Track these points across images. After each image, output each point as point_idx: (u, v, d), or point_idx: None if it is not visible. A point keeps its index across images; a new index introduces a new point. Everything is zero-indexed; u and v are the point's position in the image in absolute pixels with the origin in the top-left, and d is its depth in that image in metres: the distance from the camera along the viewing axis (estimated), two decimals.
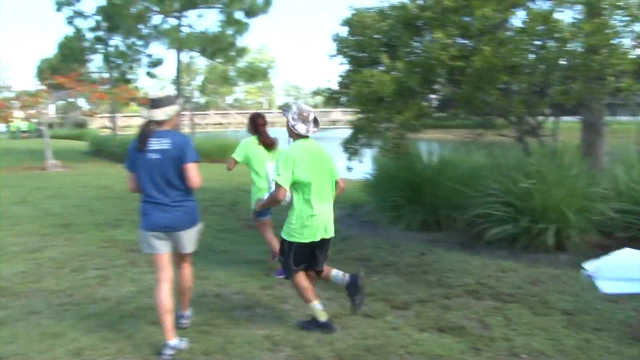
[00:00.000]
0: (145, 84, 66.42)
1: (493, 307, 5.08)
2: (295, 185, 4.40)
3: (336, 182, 4.69)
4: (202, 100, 70.11)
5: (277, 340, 4.41)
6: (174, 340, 4.15)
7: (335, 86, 7.95)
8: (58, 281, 6.11)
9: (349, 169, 7.65)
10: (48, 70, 29.53)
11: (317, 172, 4.44)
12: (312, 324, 4.61)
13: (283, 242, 4.58)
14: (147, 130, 4.10)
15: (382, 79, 6.18)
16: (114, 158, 23.91)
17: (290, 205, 4.49)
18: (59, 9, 26.59)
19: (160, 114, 4.11)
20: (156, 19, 25.29)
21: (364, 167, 9.37)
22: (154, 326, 4.61)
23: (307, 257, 4.54)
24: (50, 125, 23.16)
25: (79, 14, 26.84)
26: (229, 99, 77.16)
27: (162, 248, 4.22)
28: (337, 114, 60.10)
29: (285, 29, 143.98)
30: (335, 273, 4.74)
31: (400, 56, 6.48)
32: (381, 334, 4.52)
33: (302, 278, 4.58)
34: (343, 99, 7.71)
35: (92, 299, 5.49)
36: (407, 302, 5.26)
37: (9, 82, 23.12)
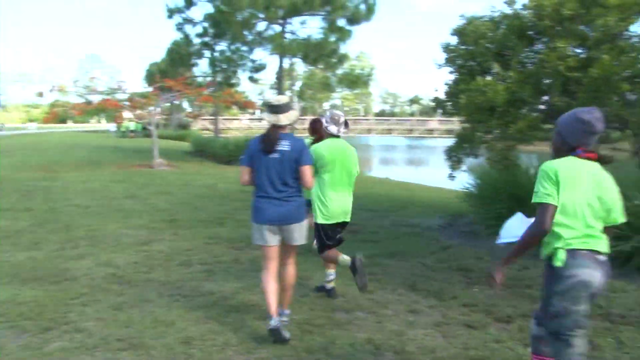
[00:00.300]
0: (245, 88, 68.31)
1: (603, 328, 4.84)
2: (317, 174, 5.20)
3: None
4: (300, 105, 71.20)
5: (379, 344, 4.42)
6: (277, 317, 4.41)
7: (442, 95, 7.85)
8: (167, 273, 6.42)
9: (452, 177, 7.52)
10: (157, 74, 30.91)
11: (337, 165, 5.30)
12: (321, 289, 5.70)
13: (315, 226, 5.41)
14: (274, 135, 4.40)
15: (495, 88, 6.06)
16: (216, 159, 24.75)
17: (314, 191, 5.27)
18: (170, 16, 27.93)
19: (284, 119, 4.45)
20: (261, 26, 26.09)
21: (463, 177, 9.22)
22: (258, 321, 4.78)
23: (333, 235, 5.42)
24: (156, 126, 24.23)
25: (188, 21, 28.07)
26: (326, 105, 77.93)
27: (273, 241, 4.50)
28: (434, 123, 59.40)
29: (385, 36, 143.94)
30: (342, 258, 5.36)
31: (512, 66, 6.33)
32: (484, 346, 4.43)
33: (328, 252, 5.47)
34: (450, 107, 7.62)
35: (198, 292, 5.72)
36: (509, 315, 5.13)
37: (122, 85, 24.25)
